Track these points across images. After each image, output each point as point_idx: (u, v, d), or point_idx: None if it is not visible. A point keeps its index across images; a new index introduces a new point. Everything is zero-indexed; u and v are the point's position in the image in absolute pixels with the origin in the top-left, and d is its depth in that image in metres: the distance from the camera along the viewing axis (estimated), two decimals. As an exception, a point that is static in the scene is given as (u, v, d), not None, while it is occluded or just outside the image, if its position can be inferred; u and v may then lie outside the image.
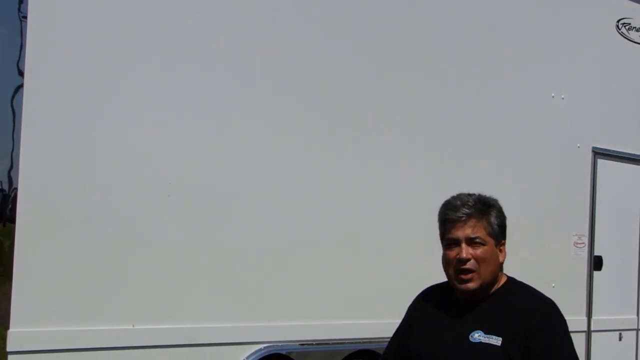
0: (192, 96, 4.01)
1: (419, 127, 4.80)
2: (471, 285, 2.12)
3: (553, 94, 5.64)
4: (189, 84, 4.01)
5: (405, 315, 2.33)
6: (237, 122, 4.11)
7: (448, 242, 2.16)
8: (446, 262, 2.17)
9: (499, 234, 2.16)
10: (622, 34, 6.17)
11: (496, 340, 2.06)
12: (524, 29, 5.48)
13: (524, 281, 2.24)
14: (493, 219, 2.15)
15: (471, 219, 2.13)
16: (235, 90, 4.15)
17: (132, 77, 3.82)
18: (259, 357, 4.06)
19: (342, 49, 4.49)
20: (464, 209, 2.13)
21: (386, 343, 2.40)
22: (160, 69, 3.92)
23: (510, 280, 2.22)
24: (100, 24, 3.78)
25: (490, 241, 2.14)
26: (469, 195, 2.19)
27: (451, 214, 2.15)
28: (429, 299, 2.31)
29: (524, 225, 5.00)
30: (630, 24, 6.20)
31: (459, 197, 2.19)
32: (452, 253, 2.14)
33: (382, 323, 4.17)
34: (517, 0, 5.47)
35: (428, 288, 2.35)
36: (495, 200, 2.21)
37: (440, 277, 2.24)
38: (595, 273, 5.94)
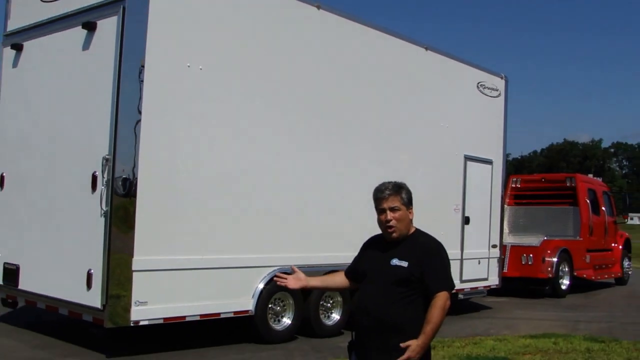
0: (240, 127, 5.41)
1: (362, 142, 6.43)
2: (394, 234, 2.64)
3: (442, 124, 7.53)
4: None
5: (358, 252, 2.86)
6: (260, 136, 5.60)
7: (379, 211, 2.67)
8: (379, 222, 2.69)
9: (408, 203, 2.68)
10: (480, 91, 8.14)
11: (404, 264, 2.58)
12: (425, 87, 7.24)
13: (426, 230, 2.76)
14: (404, 195, 2.67)
15: (391, 196, 2.64)
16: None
17: (208, 116, 5.19)
18: (271, 275, 5.51)
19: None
20: (387, 191, 2.65)
21: (346, 266, 2.90)
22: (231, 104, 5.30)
23: (417, 230, 2.74)
24: (193, 86, 5.08)
25: (403, 208, 2.64)
26: (389, 182, 2.70)
27: (379, 194, 2.67)
28: (371, 242, 2.82)
29: (426, 201, 6.02)
30: (485, 85, 8.17)
31: (383, 184, 2.70)
32: (382, 217, 2.65)
33: (342, 255, 5.21)
34: (422, 70, 7.16)
35: (371, 237, 2.84)
36: (404, 184, 2.72)
37: (375, 227, 2.77)
38: (466, 226, 7.78)
